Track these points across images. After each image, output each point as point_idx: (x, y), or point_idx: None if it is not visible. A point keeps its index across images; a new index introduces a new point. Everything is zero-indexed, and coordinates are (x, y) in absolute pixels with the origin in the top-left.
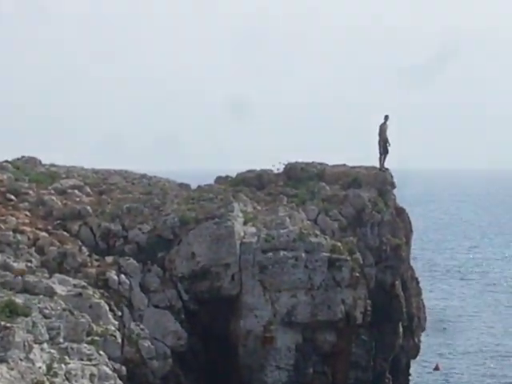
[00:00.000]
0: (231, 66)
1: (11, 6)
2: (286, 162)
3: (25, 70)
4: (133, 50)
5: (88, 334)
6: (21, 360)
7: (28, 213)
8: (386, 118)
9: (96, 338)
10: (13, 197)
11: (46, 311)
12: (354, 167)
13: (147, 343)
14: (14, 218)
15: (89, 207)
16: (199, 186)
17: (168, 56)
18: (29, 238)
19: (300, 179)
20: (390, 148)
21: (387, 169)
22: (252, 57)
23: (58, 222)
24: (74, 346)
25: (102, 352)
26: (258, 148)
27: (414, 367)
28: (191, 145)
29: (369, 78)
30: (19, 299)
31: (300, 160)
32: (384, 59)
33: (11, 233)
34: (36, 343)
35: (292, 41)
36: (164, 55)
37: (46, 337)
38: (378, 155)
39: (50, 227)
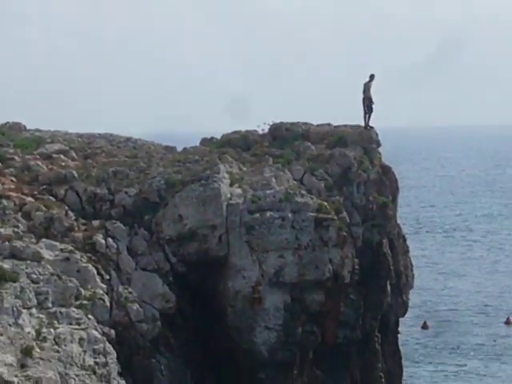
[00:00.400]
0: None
1: None
2: (271, 123)
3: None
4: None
5: (76, 298)
6: (10, 325)
7: (14, 178)
8: (372, 76)
9: (84, 301)
10: None
11: (34, 276)
12: (339, 126)
13: (136, 306)
14: None
15: (74, 171)
16: (185, 149)
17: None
18: (15, 204)
19: (285, 139)
20: (374, 107)
21: (372, 127)
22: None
23: (44, 186)
24: (63, 310)
25: (90, 316)
26: None
27: (403, 325)
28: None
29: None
30: (6, 265)
31: (285, 120)
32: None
33: None
34: (24, 308)
35: (292, 41)
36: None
37: (35, 302)
38: (363, 114)
39: (35, 192)
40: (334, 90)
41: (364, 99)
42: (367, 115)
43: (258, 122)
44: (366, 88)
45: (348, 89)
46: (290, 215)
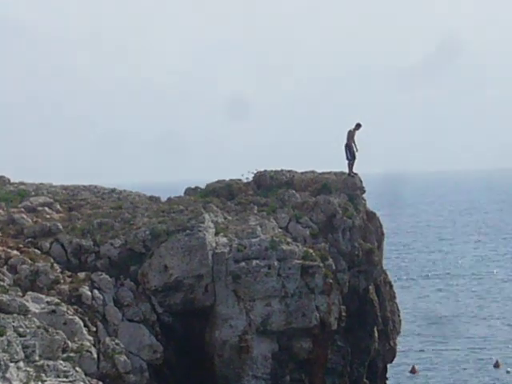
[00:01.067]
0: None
1: None
2: (255, 171)
3: None
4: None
5: (63, 351)
6: None
7: None
8: (358, 126)
9: (72, 354)
10: None
11: (21, 329)
12: (323, 173)
13: (123, 358)
14: None
15: (59, 224)
16: (169, 198)
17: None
18: (0, 257)
19: (269, 187)
20: (357, 154)
21: (356, 174)
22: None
23: (29, 239)
24: (50, 363)
25: (78, 368)
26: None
27: (391, 371)
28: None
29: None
30: None
31: (269, 168)
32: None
33: None
34: (12, 362)
35: (292, 40)
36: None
37: (22, 355)
38: (346, 161)
39: (21, 245)
40: (336, 89)
41: (346, 146)
42: (350, 162)
43: (259, 122)
44: (350, 136)
45: (348, 89)
46: (276, 263)
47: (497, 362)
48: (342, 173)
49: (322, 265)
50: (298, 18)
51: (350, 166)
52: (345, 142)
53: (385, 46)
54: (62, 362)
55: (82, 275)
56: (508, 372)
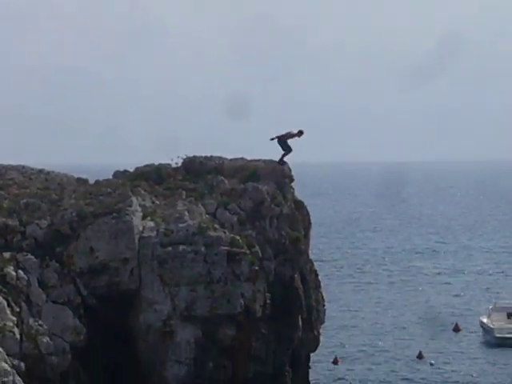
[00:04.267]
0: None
1: None
2: (185, 156)
3: None
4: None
5: None
6: None
7: None
8: (301, 133)
9: None
10: None
11: None
12: (253, 161)
13: (46, 339)
14: None
15: None
16: (97, 181)
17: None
18: None
19: (198, 173)
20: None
21: (285, 162)
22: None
23: None
24: None
25: (0, 348)
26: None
27: (314, 360)
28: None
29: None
30: None
31: (198, 154)
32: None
33: None
34: None
35: (291, 40)
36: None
37: None
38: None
39: None
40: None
41: (279, 140)
42: (286, 153)
43: (259, 122)
44: (288, 135)
45: (350, 87)
46: (202, 249)
47: (420, 353)
48: (271, 161)
49: (248, 252)
50: (298, 18)
51: (282, 156)
52: (278, 136)
53: (385, 47)
54: None
55: (7, 255)
56: (431, 364)
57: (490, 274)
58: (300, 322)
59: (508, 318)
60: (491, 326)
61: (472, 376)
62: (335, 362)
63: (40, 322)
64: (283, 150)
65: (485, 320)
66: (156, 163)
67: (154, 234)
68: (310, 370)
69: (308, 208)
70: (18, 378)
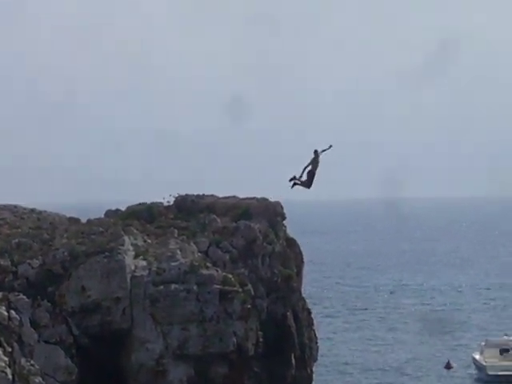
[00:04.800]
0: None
1: None
2: (177, 195)
3: None
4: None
5: None
6: None
7: None
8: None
9: None
10: None
11: None
12: (245, 199)
13: (38, 379)
14: None
15: None
16: (89, 220)
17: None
18: None
19: (190, 211)
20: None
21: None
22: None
23: None
24: None
25: None
26: None
27: None
28: None
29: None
30: None
31: (190, 193)
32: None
33: None
34: None
35: (291, 40)
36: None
37: None
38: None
39: None
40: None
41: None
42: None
43: (258, 122)
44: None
45: (348, 91)
46: (194, 287)
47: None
48: (264, 199)
49: (240, 290)
50: (297, 18)
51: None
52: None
53: (385, 47)
54: None
55: None
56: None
57: (482, 311)
58: (293, 360)
59: (501, 354)
60: (483, 364)
61: None
62: None
63: (32, 362)
64: (307, 181)
65: (477, 357)
66: (148, 202)
67: (146, 272)
68: None
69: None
70: None
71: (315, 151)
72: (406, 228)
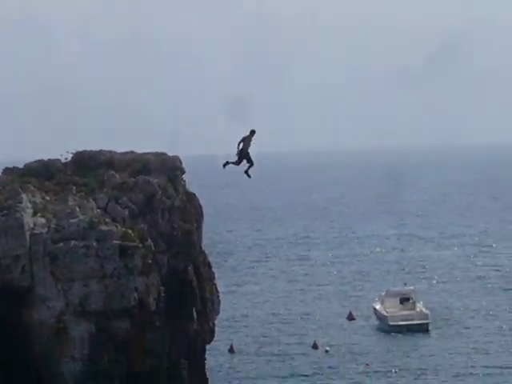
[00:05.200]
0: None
1: None
2: (74, 151)
3: None
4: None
5: None
6: None
7: None
8: (252, 132)
9: None
10: None
11: None
12: (144, 154)
13: None
14: None
15: None
16: None
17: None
18: None
19: (89, 168)
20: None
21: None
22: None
23: None
24: None
25: None
26: None
27: (210, 348)
28: None
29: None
30: None
31: (88, 148)
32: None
33: None
34: None
35: (291, 41)
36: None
37: None
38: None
39: None
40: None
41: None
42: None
43: (258, 122)
44: (246, 139)
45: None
46: (94, 244)
47: (315, 343)
48: (162, 153)
49: (140, 245)
50: (297, 18)
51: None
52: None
53: (386, 47)
54: None
55: None
56: (327, 351)
57: (383, 262)
58: (195, 314)
59: (401, 303)
60: (384, 314)
61: (366, 363)
62: (231, 350)
63: None
64: (248, 162)
65: (378, 307)
66: (45, 158)
67: (45, 230)
68: (206, 361)
69: None
70: None
71: (253, 131)
72: None
